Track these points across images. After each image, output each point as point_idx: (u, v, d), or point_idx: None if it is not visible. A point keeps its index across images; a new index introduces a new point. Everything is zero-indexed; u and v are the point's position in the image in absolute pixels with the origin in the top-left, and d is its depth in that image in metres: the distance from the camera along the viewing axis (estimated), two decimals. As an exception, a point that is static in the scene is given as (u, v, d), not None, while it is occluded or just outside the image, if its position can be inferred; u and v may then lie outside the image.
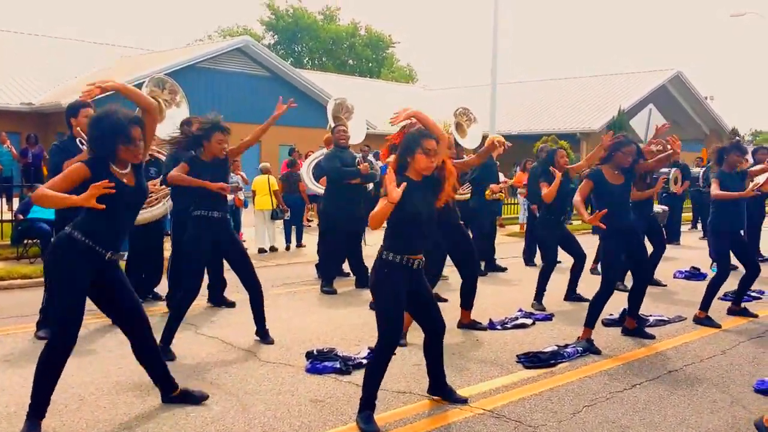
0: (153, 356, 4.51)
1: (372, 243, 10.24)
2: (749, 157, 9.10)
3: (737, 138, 11.69)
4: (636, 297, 6.48)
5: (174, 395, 4.57)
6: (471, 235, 10.03)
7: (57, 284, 4.09)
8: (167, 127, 8.34)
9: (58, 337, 4.06)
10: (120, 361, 5.44)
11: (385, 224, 4.30)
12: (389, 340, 4.25)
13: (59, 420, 4.26)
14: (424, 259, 4.44)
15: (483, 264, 10.30)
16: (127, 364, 5.36)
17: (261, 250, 12.34)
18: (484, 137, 11.22)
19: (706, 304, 7.10)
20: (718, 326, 6.91)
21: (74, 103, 6.21)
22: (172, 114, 8.31)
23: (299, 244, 13.15)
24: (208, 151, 5.87)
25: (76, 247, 4.06)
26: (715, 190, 6.96)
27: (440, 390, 4.74)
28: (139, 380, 5.00)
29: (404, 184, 4.17)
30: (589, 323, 6.16)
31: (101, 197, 3.86)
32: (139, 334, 4.41)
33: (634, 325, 6.57)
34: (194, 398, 4.60)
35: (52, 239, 4.37)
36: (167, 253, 7.85)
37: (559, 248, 8.03)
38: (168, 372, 4.59)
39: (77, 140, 5.96)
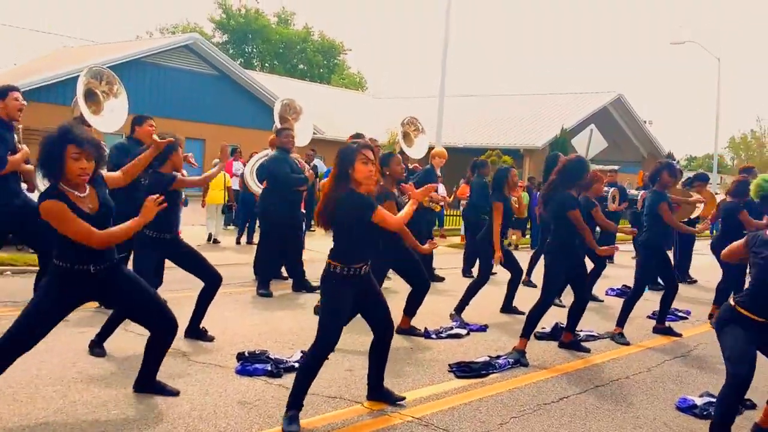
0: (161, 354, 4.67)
1: (312, 248, 10.20)
2: None
3: (674, 161, 12.09)
4: (576, 313, 6.67)
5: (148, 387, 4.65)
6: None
7: (39, 302, 4.07)
8: (107, 120, 8.16)
9: (16, 341, 4.04)
10: (42, 356, 5.24)
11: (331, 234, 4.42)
12: (324, 344, 4.27)
13: (-27, 413, 4.09)
14: (369, 263, 4.47)
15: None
16: (50, 359, 5.20)
17: (214, 240, 13.49)
18: (430, 148, 11.35)
19: (621, 320, 7.31)
20: (627, 344, 7.07)
21: (2, 86, 6.19)
22: (112, 106, 8.13)
23: (250, 241, 13.70)
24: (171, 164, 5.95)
25: (65, 276, 4.05)
26: (667, 211, 7.27)
27: (379, 393, 4.75)
28: (60, 375, 4.86)
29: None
30: (526, 334, 6.25)
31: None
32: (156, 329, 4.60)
33: (570, 338, 6.73)
34: (168, 391, 4.65)
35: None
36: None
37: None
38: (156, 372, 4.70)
39: None
